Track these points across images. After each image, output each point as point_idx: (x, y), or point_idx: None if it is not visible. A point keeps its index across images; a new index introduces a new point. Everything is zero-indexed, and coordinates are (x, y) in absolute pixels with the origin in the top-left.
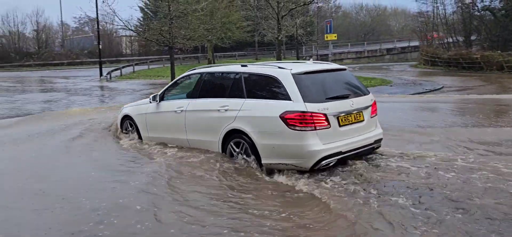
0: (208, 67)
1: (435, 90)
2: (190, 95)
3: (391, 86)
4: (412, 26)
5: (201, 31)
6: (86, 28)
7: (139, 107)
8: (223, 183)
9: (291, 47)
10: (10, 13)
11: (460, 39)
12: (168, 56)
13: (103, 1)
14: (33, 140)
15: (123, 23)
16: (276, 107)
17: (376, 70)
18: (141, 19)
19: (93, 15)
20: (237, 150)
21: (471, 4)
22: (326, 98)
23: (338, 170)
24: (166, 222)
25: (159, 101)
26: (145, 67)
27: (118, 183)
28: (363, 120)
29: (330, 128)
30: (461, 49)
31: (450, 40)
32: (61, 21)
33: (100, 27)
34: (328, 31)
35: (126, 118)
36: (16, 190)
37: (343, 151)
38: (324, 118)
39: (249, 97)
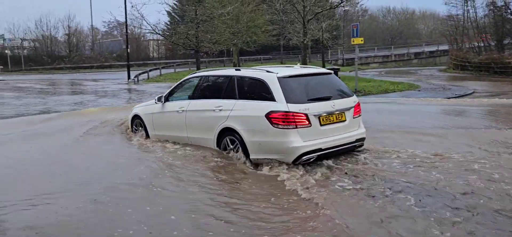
0: (208, 70)
1: (466, 95)
2: (191, 97)
3: (419, 90)
4: (441, 30)
5: (227, 35)
6: (115, 32)
7: (147, 108)
8: (208, 166)
9: (317, 51)
10: (43, 18)
11: (492, 43)
12: (194, 59)
13: (132, 6)
14: (55, 134)
15: (151, 27)
16: (262, 107)
17: (403, 75)
18: (168, 23)
19: (122, 20)
20: (231, 146)
21: (503, 7)
22: (308, 100)
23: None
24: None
25: (164, 102)
26: (172, 70)
27: (120, 165)
28: (345, 120)
29: (311, 127)
30: (493, 53)
31: (481, 44)
32: (91, 25)
33: (129, 31)
34: (355, 35)
35: (136, 117)
36: (41, 170)
37: (322, 148)
38: (305, 118)
39: (240, 98)
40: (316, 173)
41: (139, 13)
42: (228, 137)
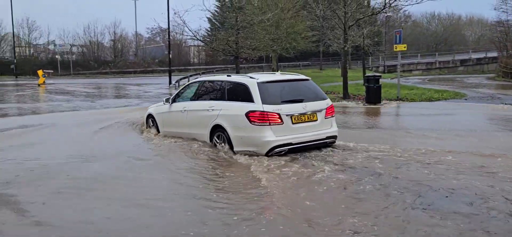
0: (207, 76)
1: None
2: (192, 98)
3: (465, 100)
4: (490, 36)
5: (267, 41)
6: (158, 38)
7: (158, 108)
8: (194, 154)
9: (357, 58)
10: (91, 25)
11: None
12: (234, 65)
13: (175, 13)
14: (80, 127)
15: (192, 33)
16: (243, 107)
17: (448, 82)
18: (209, 29)
19: (165, 26)
20: (219, 141)
21: None
22: (281, 102)
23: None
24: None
25: (171, 103)
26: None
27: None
28: (317, 120)
29: (283, 124)
30: None
31: None
32: (136, 31)
33: (171, 37)
34: (398, 41)
35: (150, 116)
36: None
37: (293, 142)
38: (277, 116)
39: (228, 100)
40: (281, 161)
41: (181, 20)
42: (218, 132)
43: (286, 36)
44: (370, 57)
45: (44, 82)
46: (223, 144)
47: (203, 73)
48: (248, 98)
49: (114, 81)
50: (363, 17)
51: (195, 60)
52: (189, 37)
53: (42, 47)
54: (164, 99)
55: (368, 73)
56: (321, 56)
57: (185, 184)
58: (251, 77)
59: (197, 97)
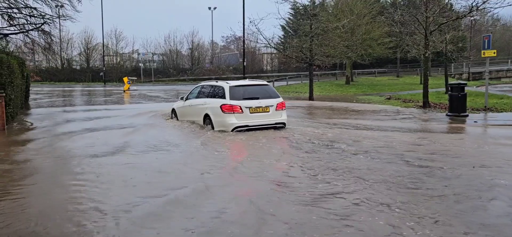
0: (205, 82)
1: None
2: (195, 97)
3: None
4: None
5: (341, 48)
6: (232, 46)
7: (177, 104)
8: (191, 131)
9: (438, 64)
10: (171, 34)
11: None
12: (306, 72)
13: (250, 21)
14: (131, 118)
15: (266, 41)
16: (219, 102)
17: None
18: (282, 37)
19: (239, 34)
20: (206, 124)
21: None
22: (243, 98)
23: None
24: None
25: (185, 100)
26: (284, 83)
27: (161, 126)
28: (269, 111)
29: (243, 113)
30: None
31: None
32: (212, 40)
33: (245, 45)
34: (486, 47)
35: (173, 110)
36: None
37: (249, 125)
38: (239, 108)
39: (213, 97)
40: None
41: (256, 28)
42: (206, 119)
43: (362, 42)
44: (452, 64)
45: (128, 88)
46: (208, 125)
47: (276, 80)
48: (223, 96)
49: (192, 87)
50: (447, 22)
51: (268, 67)
52: (263, 44)
53: (127, 55)
54: (179, 98)
55: (451, 81)
56: (398, 63)
57: (185, 135)
58: (227, 82)
59: (197, 96)
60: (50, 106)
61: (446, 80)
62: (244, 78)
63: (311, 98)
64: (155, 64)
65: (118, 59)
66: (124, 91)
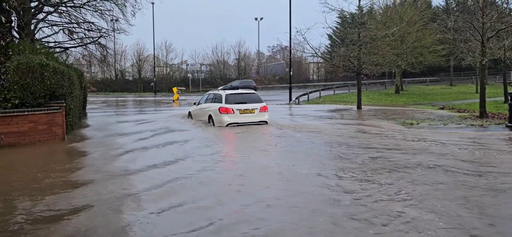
0: (211, 90)
1: None
2: (204, 102)
3: None
4: None
5: (390, 56)
6: (278, 56)
7: (192, 108)
8: (200, 124)
9: (495, 72)
10: (219, 45)
11: None
12: (354, 81)
13: (297, 31)
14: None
15: (313, 50)
16: (218, 105)
17: None
18: (329, 46)
19: (286, 44)
20: (210, 122)
21: None
22: (235, 103)
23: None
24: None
25: (197, 105)
26: (331, 92)
27: (181, 122)
28: (254, 112)
29: (234, 114)
30: None
31: None
32: (258, 50)
33: (292, 55)
34: None
35: (189, 113)
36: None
37: (239, 122)
38: (232, 110)
39: (214, 102)
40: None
41: (303, 37)
42: (209, 118)
43: (412, 50)
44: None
45: (178, 98)
46: (211, 123)
47: (322, 89)
48: (221, 101)
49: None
50: (505, 27)
51: (315, 76)
52: (309, 54)
53: (176, 66)
54: (193, 102)
55: (511, 90)
56: (451, 71)
57: (197, 127)
58: (224, 90)
59: (205, 102)
60: (104, 115)
61: (505, 89)
62: (290, 88)
63: (359, 107)
64: (202, 74)
65: (168, 70)
66: (173, 100)
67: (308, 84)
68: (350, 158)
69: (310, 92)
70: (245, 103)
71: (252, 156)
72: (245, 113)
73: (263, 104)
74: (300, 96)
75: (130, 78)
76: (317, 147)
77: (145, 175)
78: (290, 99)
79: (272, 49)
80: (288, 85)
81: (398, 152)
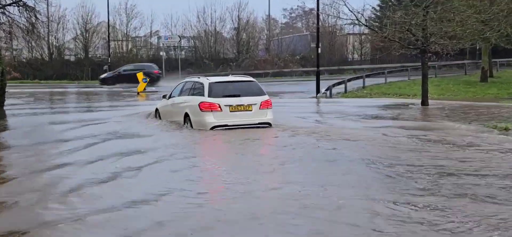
0: (188, 77)
1: None
2: (178, 95)
3: None
4: None
5: (473, 24)
6: (299, 24)
7: (161, 103)
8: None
9: None
10: (207, 8)
11: None
12: (417, 63)
13: None
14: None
15: (354, 15)
16: (198, 99)
17: None
18: (378, 9)
19: (310, 5)
20: (186, 124)
21: None
22: (223, 96)
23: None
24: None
25: (168, 99)
26: (381, 80)
27: (142, 123)
28: (251, 110)
29: (222, 112)
30: None
31: None
32: (268, 15)
33: (320, 22)
34: None
35: (156, 110)
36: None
37: (228, 124)
38: (218, 106)
39: (193, 95)
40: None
41: None
42: (185, 118)
43: (507, 15)
44: None
45: (144, 89)
46: (187, 125)
47: (367, 75)
48: (202, 93)
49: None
50: None
51: (356, 56)
52: (347, 21)
53: (143, 40)
54: (162, 95)
55: None
56: None
57: (165, 131)
58: (207, 79)
59: (179, 94)
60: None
61: None
62: (318, 73)
63: (424, 102)
64: (183, 52)
65: (130, 46)
66: (138, 92)
67: (345, 67)
68: (414, 193)
69: (349, 80)
70: (238, 96)
71: (256, 188)
72: (237, 111)
73: (265, 97)
74: (334, 85)
75: (72, 58)
76: (356, 168)
77: None
78: (318, 91)
79: (290, 14)
80: (315, 68)
81: (494, 178)
